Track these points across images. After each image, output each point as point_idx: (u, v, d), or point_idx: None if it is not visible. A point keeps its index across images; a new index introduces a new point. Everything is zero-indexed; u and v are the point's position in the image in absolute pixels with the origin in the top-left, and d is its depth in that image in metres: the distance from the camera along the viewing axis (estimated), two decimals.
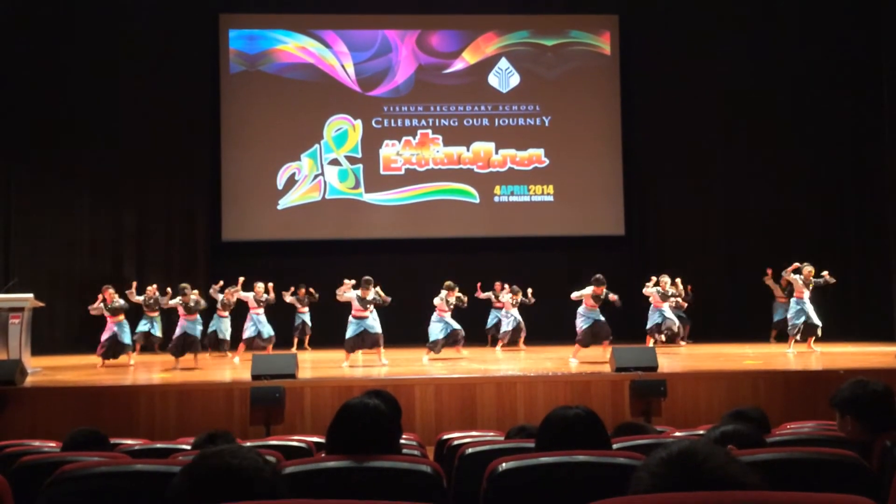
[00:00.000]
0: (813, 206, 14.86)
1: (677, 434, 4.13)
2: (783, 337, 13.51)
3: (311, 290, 13.18)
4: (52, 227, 14.20)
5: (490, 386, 8.25)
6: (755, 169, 14.95)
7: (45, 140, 14.15)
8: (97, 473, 2.56)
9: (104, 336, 10.68)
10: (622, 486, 1.37)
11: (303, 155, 14.95)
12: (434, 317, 11.02)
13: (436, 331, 10.89)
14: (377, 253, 14.27)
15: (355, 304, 10.19)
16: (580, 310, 10.56)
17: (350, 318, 10.24)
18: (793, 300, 11.21)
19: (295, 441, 4.09)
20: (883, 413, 3.01)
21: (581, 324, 10.45)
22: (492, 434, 4.79)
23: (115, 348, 10.67)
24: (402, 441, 3.41)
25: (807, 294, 11.02)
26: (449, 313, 11.00)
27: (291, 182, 14.91)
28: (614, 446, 2.89)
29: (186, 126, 14.50)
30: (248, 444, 4.06)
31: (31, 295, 9.94)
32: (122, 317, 10.84)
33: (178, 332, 10.48)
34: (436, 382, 8.32)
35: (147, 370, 10.39)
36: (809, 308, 10.97)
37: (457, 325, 10.98)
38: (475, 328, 12.86)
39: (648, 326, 11.92)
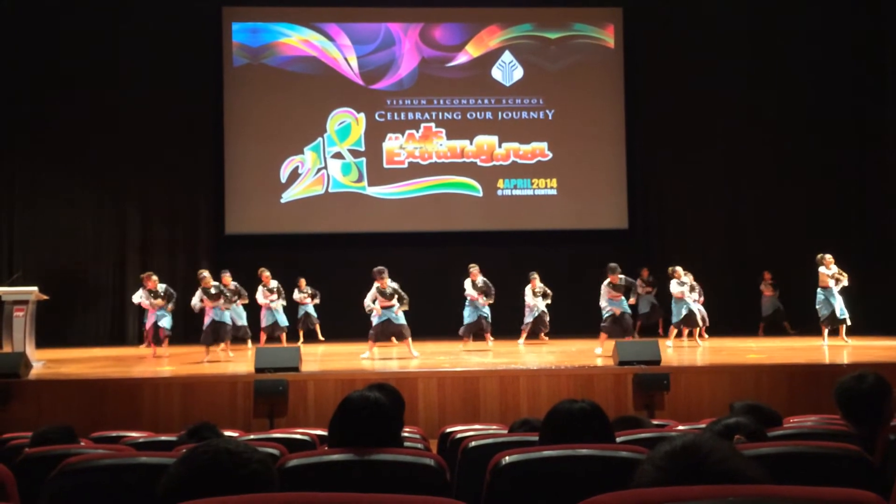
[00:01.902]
0: (817, 199, 14.83)
1: (680, 428, 4.13)
2: (770, 330, 13.52)
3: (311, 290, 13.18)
4: (55, 219, 14.22)
5: (493, 379, 8.26)
6: (759, 163, 14.92)
7: (48, 133, 14.16)
8: (101, 466, 2.57)
9: (148, 324, 10.85)
10: (625, 480, 1.37)
11: (306, 148, 14.94)
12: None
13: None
14: (380, 246, 14.26)
15: (379, 297, 10.32)
16: (602, 302, 10.72)
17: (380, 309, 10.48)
18: (819, 290, 10.95)
19: (298, 434, 4.10)
20: (862, 409, 3.00)
21: (604, 314, 10.64)
22: (495, 427, 4.80)
23: (157, 336, 10.84)
24: (405, 434, 3.42)
25: (832, 283, 10.81)
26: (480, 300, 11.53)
27: (295, 175, 14.90)
28: (616, 440, 2.89)
29: (189, 119, 14.49)
30: (252, 436, 4.07)
31: (35, 288, 9.96)
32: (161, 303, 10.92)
33: (207, 320, 10.46)
34: (439, 375, 8.33)
35: (152, 363, 10.40)
36: (834, 298, 10.81)
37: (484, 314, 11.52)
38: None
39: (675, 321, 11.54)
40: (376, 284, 10.39)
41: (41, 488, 2.46)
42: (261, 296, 12.20)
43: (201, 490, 1.46)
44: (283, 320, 12.38)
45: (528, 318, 12.44)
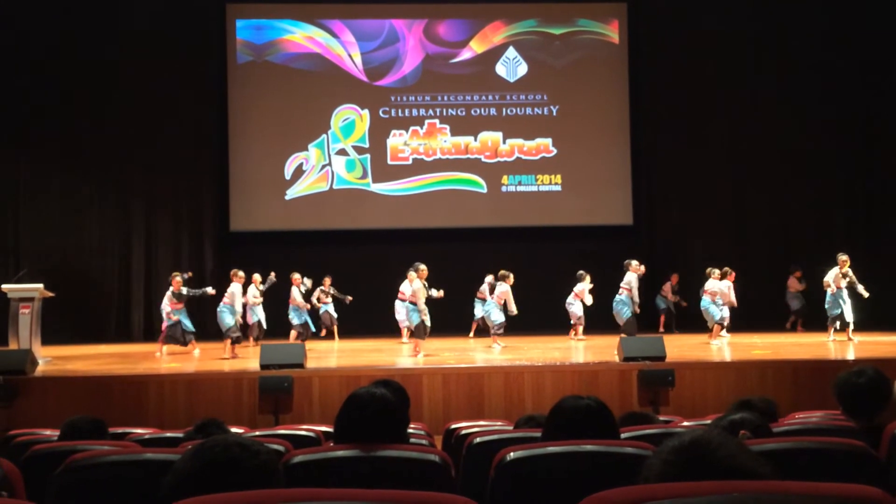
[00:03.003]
0: (823, 196, 14.80)
1: (685, 424, 4.13)
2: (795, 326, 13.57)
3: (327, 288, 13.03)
4: (60, 217, 14.26)
5: (498, 375, 8.26)
6: (764, 159, 14.88)
7: (52, 131, 14.19)
8: (107, 462, 2.58)
9: (167, 324, 10.88)
10: (630, 476, 1.37)
11: (310, 145, 14.95)
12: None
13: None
14: (385, 243, 14.28)
15: (419, 294, 10.24)
16: (623, 297, 10.66)
17: (409, 305, 10.33)
18: (831, 291, 11.00)
19: (303, 430, 4.10)
20: (861, 404, 3.00)
21: (625, 311, 10.58)
22: (500, 423, 4.80)
23: (183, 336, 10.85)
24: (410, 430, 3.42)
25: (844, 284, 10.84)
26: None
27: (299, 172, 14.91)
28: (621, 436, 2.89)
29: (194, 116, 14.50)
30: (257, 432, 4.08)
31: (40, 285, 9.98)
32: (181, 305, 10.95)
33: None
34: (443, 372, 8.34)
35: (156, 360, 10.43)
36: (844, 301, 10.83)
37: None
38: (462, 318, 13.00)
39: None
40: (419, 280, 10.32)
41: (47, 484, 2.47)
42: (298, 296, 12.08)
43: (212, 482, 1.46)
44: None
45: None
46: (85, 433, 3.61)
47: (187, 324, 10.87)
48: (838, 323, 10.97)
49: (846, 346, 10.48)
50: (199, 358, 10.51)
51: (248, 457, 1.55)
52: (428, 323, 10.16)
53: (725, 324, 11.60)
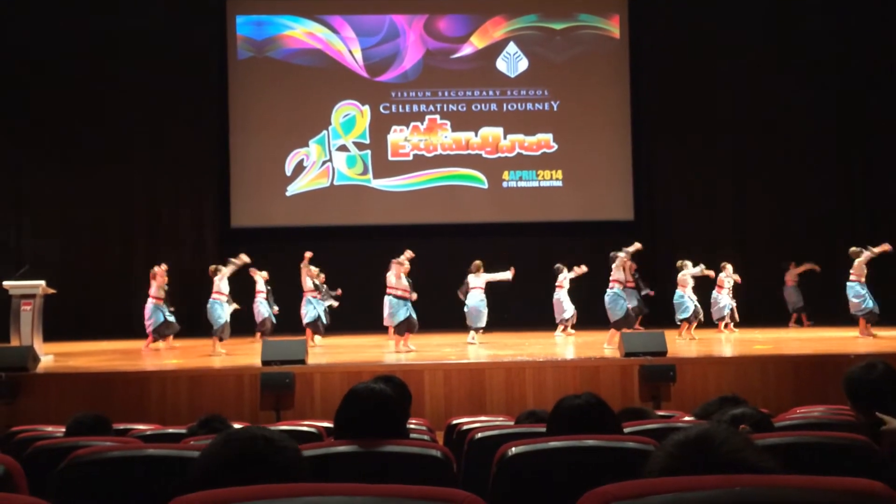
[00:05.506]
0: (825, 189, 14.78)
1: (686, 419, 4.13)
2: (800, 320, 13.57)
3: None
4: (62, 213, 14.26)
5: (499, 371, 8.27)
6: (765, 154, 14.86)
7: (53, 128, 14.20)
8: (109, 458, 2.57)
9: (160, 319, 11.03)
10: (632, 471, 1.37)
11: (311, 141, 14.94)
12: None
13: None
14: (385, 239, 14.23)
15: (403, 285, 10.20)
16: (618, 290, 10.60)
17: (395, 300, 10.21)
18: (857, 285, 10.99)
19: (305, 426, 4.10)
20: (871, 398, 2.99)
21: (626, 303, 10.59)
22: (501, 419, 4.80)
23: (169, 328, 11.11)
24: (411, 426, 3.42)
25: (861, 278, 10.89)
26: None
27: (300, 168, 14.91)
28: (624, 431, 2.89)
29: (194, 113, 14.51)
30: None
31: (42, 282, 9.98)
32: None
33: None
34: (444, 368, 8.35)
35: (159, 356, 10.44)
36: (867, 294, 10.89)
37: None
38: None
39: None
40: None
41: (49, 480, 2.47)
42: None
43: (237, 475, 1.45)
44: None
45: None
46: (88, 429, 3.61)
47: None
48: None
49: (848, 340, 10.46)
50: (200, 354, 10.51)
51: (275, 451, 1.54)
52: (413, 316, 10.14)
53: (727, 318, 11.68)
